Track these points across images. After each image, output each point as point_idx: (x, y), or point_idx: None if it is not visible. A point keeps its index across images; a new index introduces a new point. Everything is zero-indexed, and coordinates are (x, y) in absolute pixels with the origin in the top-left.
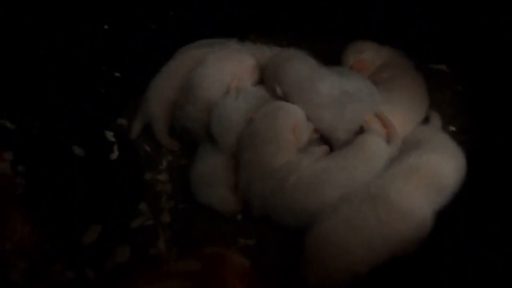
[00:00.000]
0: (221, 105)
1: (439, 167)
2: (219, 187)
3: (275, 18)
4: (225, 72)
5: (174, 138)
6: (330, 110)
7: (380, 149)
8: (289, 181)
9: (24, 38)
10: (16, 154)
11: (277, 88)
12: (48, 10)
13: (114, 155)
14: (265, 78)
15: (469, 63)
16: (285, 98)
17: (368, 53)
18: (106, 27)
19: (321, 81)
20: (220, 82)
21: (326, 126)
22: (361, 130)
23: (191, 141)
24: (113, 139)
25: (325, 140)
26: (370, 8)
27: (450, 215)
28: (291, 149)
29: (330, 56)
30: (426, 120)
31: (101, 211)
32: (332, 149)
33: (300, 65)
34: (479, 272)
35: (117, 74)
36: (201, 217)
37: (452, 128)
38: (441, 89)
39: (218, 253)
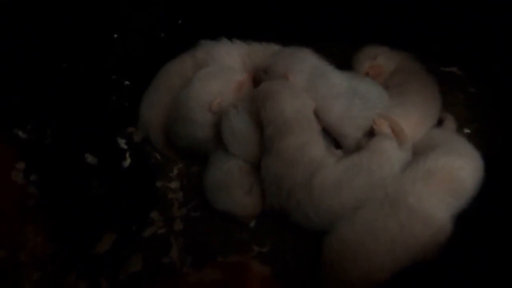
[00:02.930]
0: (226, 119)
1: (457, 170)
2: (236, 191)
3: (281, 22)
4: (209, 91)
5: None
6: (339, 102)
7: (395, 153)
8: (316, 177)
9: (35, 48)
10: (28, 164)
11: (289, 78)
12: (58, 19)
13: (127, 162)
14: (272, 72)
15: (480, 65)
16: None
17: (382, 59)
18: (115, 35)
19: (331, 72)
20: (205, 102)
21: (334, 119)
22: (371, 133)
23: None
24: (125, 147)
25: (335, 140)
26: (379, 11)
27: (467, 219)
28: (319, 138)
29: (339, 60)
30: (439, 123)
31: (114, 220)
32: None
33: (309, 56)
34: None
35: (126, 83)
36: (213, 225)
37: (467, 131)
38: (453, 91)
39: (239, 261)
